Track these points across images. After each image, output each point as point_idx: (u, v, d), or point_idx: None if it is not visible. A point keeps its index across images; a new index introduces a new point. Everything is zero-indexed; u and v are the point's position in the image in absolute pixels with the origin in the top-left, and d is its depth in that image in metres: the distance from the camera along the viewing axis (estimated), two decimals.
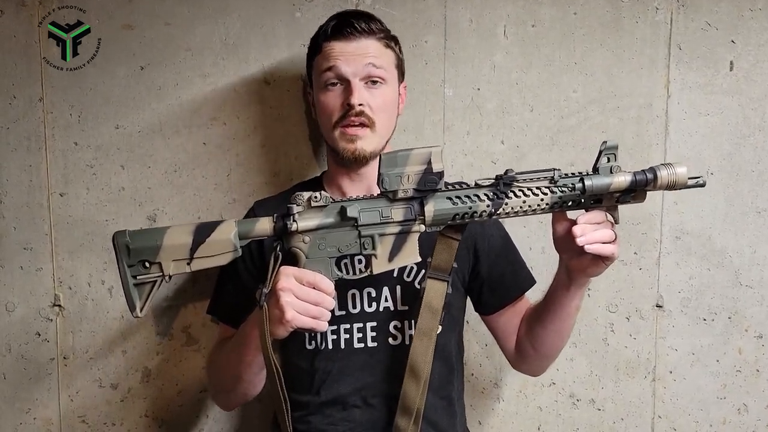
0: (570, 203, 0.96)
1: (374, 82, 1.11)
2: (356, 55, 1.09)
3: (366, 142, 1.10)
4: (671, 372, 1.39)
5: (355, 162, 1.12)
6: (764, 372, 1.38)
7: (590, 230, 0.93)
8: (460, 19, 1.34)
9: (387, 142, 1.16)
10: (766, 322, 1.37)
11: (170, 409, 1.40)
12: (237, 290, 1.18)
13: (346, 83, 1.10)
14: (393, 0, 1.33)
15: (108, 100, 1.35)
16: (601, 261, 0.96)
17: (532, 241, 1.36)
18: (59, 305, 1.38)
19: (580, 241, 0.92)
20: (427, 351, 1.04)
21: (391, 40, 1.15)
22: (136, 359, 1.39)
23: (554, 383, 1.39)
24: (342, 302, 1.11)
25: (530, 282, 1.22)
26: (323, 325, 0.95)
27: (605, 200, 0.96)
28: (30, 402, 1.39)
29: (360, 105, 1.09)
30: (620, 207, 0.97)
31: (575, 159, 1.35)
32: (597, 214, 0.95)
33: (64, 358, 1.39)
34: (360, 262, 1.10)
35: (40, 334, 1.38)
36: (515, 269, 1.21)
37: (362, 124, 1.10)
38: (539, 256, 1.34)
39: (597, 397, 1.40)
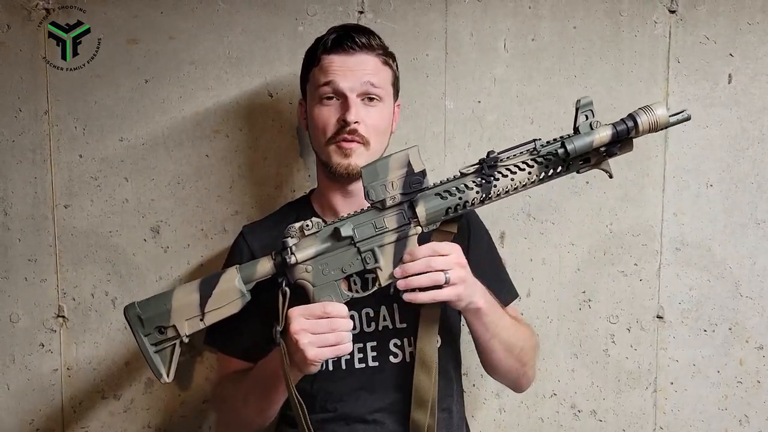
0: (558, 169, 0.96)
1: (371, 99, 1.09)
2: (355, 71, 1.08)
3: (359, 158, 1.08)
4: (672, 383, 1.39)
5: (347, 178, 1.10)
6: (765, 383, 1.38)
7: (411, 271, 0.93)
8: (461, 32, 1.36)
9: None
10: (766, 333, 1.37)
11: (172, 420, 1.40)
12: (243, 322, 1.11)
13: (342, 98, 1.08)
14: (395, 14, 1.35)
15: (112, 113, 1.36)
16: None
17: (533, 253, 1.36)
18: (63, 316, 1.38)
19: (399, 284, 0.94)
20: (432, 338, 1.04)
21: (389, 57, 1.14)
22: (138, 370, 1.39)
23: (555, 394, 1.40)
24: None
25: (512, 296, 1.21)
26: (347, 348, 0.95)
27: (593, 157, 0.95)
28: (33, 413, 1.40)
29: (356, 123, 1.07)
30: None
31: None
32: (423, 249, 0.95)
33: (68, 368, 1.39)
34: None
35: (43, 345, 1.39)
36: (497, 283, 1.18)
37: (355, 141, 1.08)
38: (540, 267, 1.35)
39: (598, 409, 1.40)
